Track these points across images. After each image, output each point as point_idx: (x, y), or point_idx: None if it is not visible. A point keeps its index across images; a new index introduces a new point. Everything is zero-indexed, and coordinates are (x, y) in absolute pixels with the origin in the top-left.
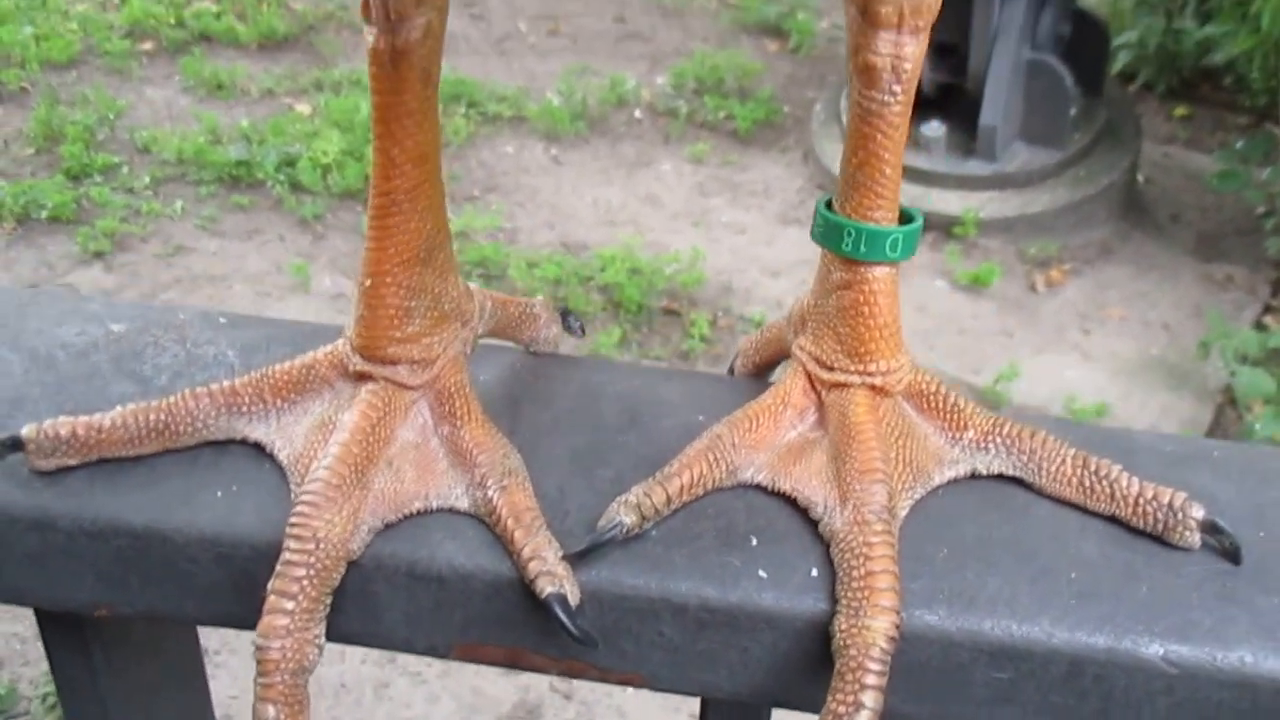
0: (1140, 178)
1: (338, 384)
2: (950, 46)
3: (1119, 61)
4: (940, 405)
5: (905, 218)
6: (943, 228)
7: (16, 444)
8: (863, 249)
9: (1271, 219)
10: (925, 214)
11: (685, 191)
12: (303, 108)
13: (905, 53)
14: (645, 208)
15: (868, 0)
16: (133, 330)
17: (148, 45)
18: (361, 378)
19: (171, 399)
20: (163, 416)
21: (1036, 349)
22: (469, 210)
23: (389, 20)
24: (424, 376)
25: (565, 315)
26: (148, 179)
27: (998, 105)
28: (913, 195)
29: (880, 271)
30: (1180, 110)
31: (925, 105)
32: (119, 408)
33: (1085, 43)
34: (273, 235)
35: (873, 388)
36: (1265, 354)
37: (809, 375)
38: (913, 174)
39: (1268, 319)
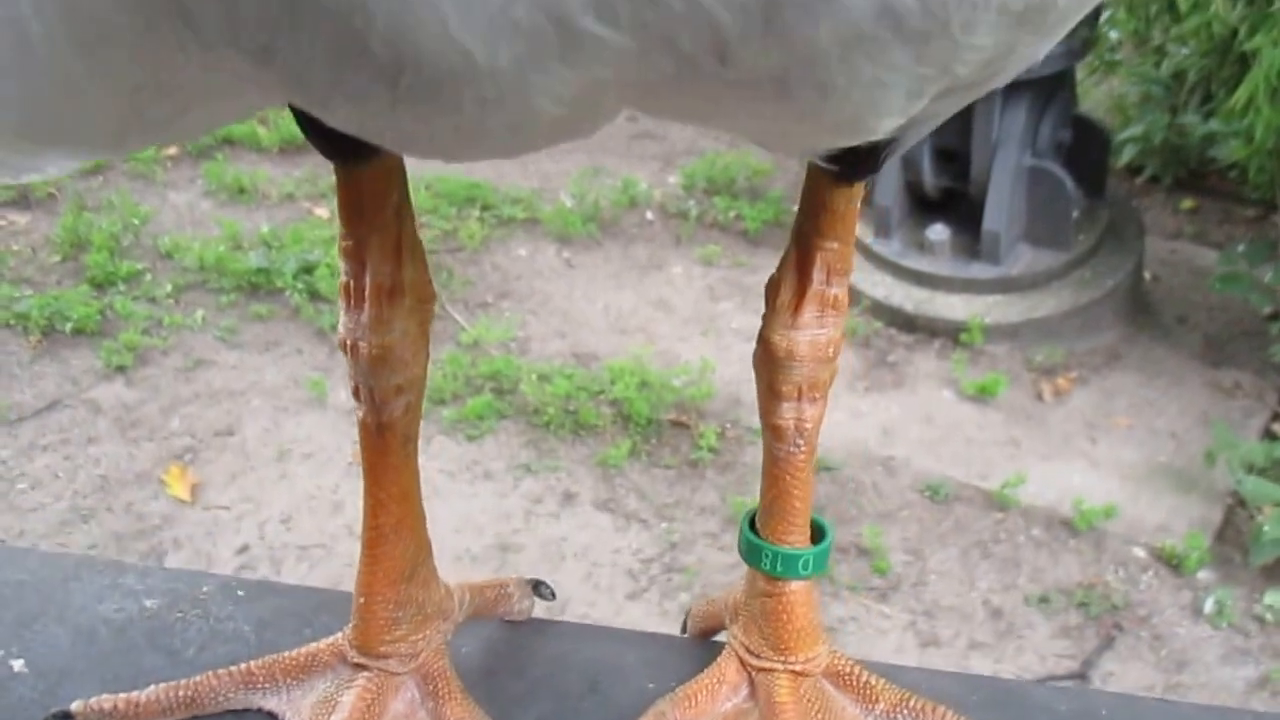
0: (1147, 275)
1: (339, 668)
2: (953, 152)
3: (1124, 155)
4: (855, 683)
5: (819, 531)
6: (949, 334)
7: (68, 717)
8: (779, 568)
9: (1277, 323)
10: (931, 321)
11: (695, 295)
12: (321, 212)
13: (806, 415)
14: (656, 313)
15: (771, 379)
16: (163, 606)
17: (172, 150)
18: (358, 666)
19: (198, 678)
20: (190, 692)
21: (1044, 456)
22: (482, 319)
23: (374, 403)
24: (411, 665)
25: (537, 586)
26: (170, 287)
27: (1001, 210)
28: (918, 299)
29: (796, 585)
30: (1187, 203)
31: (929, 209)
32: (153, 686)
33: (1086, 147)
34: (290, 348)
35: (794, 672)
36: (1272, 463)
37: (740, 659)
38: (918, 277)
39: (1277, 426)
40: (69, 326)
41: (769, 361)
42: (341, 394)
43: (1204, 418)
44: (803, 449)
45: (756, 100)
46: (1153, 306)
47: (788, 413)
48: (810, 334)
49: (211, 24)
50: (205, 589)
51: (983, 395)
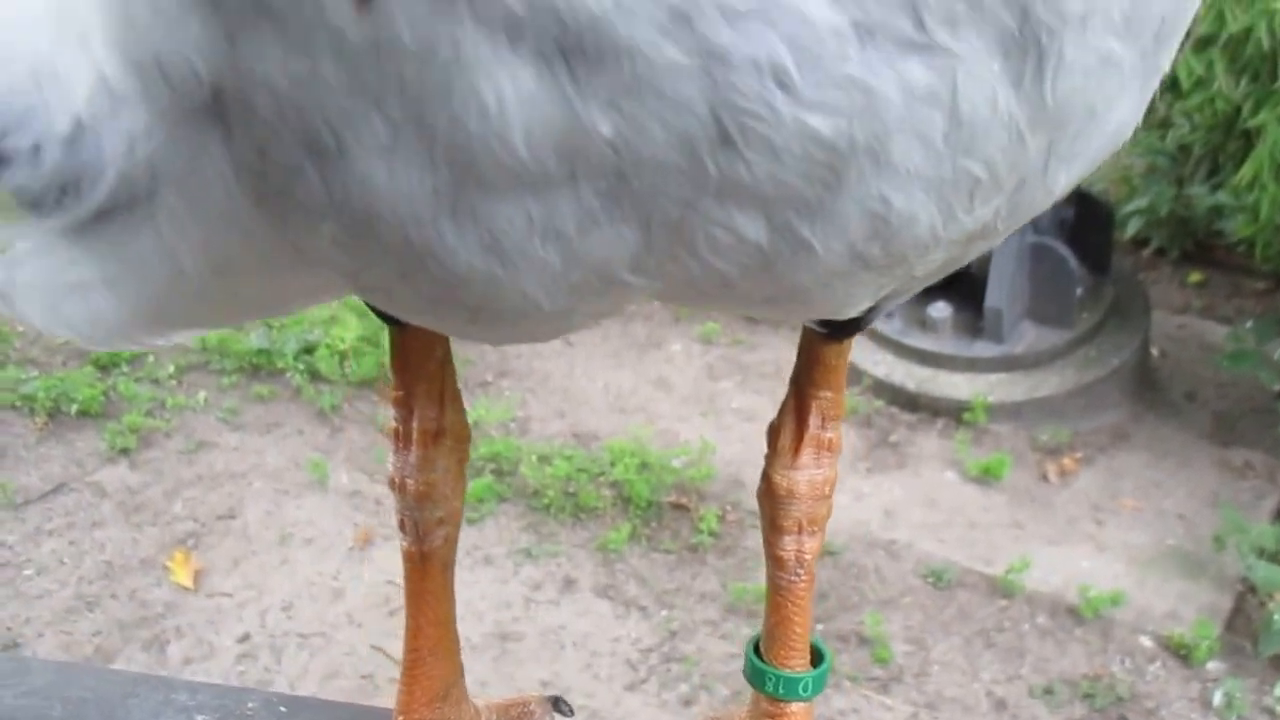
0: (1154, 351)
1: None
2: None
3: (1130, 228)
4: None
5: (818, 654)
6: (952, 414)
7: None
8: (781, 691)
9: None
10: (934, 400)
11: (695, 374)
12: None
13: (806, 547)
14: (655, 392)
15: (774, 515)
16: None
17: None
18: None
19: None
20: None
21: (1049, 540)
22: (482, 400)
23: (419, 534)
24: None
25: (557, 702)
26: (172, 368)
27: (1003, 288)
28: (920, 378)
29: (796, 706)
30: (1194, 276)
31: (931, 286)
32: None
33: (1089, 223)
34: (292, 429)
35: None
36: None
37: None
38: (920, 356)
39: None
40: (74, 408)
41: (772, 499)
42: (342, 477)
43: (1213, 499)
44: (803, 578)
45: (750, 305)
46: (1160, 384)
47: (789, 545)
48: (808, 474)
49: (337, 272)
50: (250, 705)
51: (987, 476)
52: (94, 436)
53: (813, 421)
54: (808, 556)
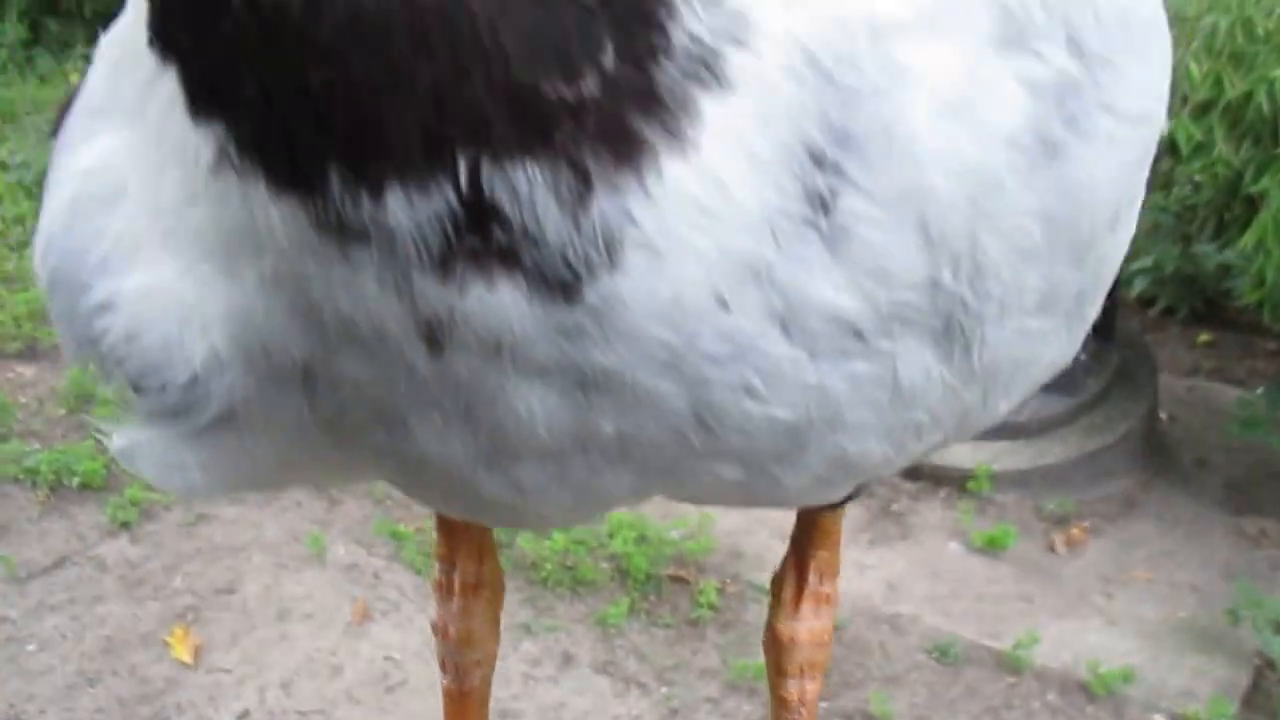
0: (1163, 415)
1: None
2: None
3: (1136, 287)
4: None
5: None
6: (956, 483)
7: None
8: None
9: None
10: (937, 469)
11: None
12: None
13: (808, 690)
14: None
15: (779, 660)
16: None
17: None
18: None
19: None
20: None
21: (1058, 613)
22: None
23: (458, 674)
24: None
25: None
26: None
27: None
28: None
29: None
30: (1204, 337)
31: None
32: None
33: None
34: (290, 501)
35: None
36: None
37: None
38: None
39: None
40: (76, 481)
41: (776, 646)
42: (340, 550)
43: (1227, 569)
44: (804, 716)
45: (738, 505)
46: (1170, 449)
47: (792, 687)
48: (808, 624)
49: (388, 483)
50: None
51: (992, 547)
52: (96, 510)
53: (811, 579)
54: (809, 698)
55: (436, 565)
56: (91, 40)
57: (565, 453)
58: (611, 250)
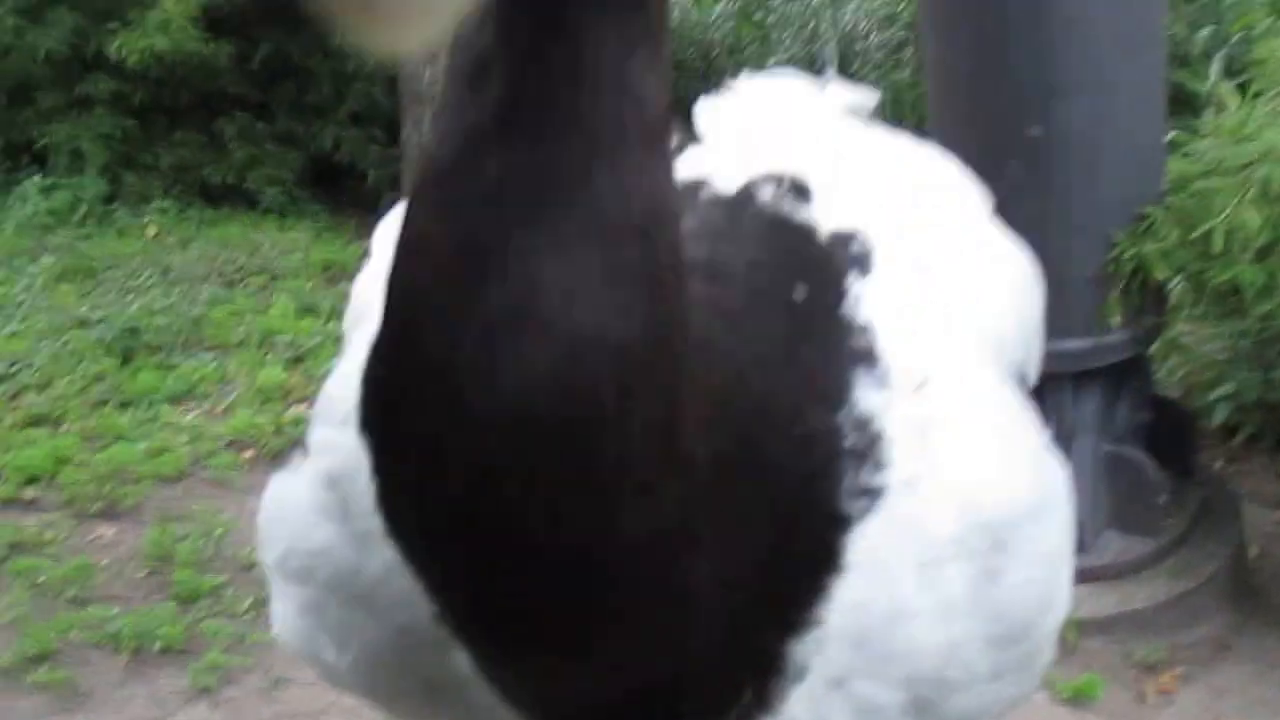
0: (1253, 551)
1: None
2: None
3: (1219, 415)
4: None
5: None
6: None
7: None
8: None
9: None
10: None
11: None
12: None
13: None
14: None
15: None
16: None
17: (249, 453)
18: None
19: None
20: None
21: None
22: None
23: None
24: None
25: None
26: (250, 601)
27: (1083, 499)
28: None
29: None
30: None
31: None
32: None
33: (1168, 427)
34: None
35: None
36: None
37: None
38: None
39: None
40: (157, 645)
41: None
42: None
43: None
44: None
45: None
46: (1260, 589)
47: None
48: None
49: None
50: None
51: (1080, 697)
52: (176, 674)
53: None
54: None
55: None
56: (168, 192)
57: None
58: None
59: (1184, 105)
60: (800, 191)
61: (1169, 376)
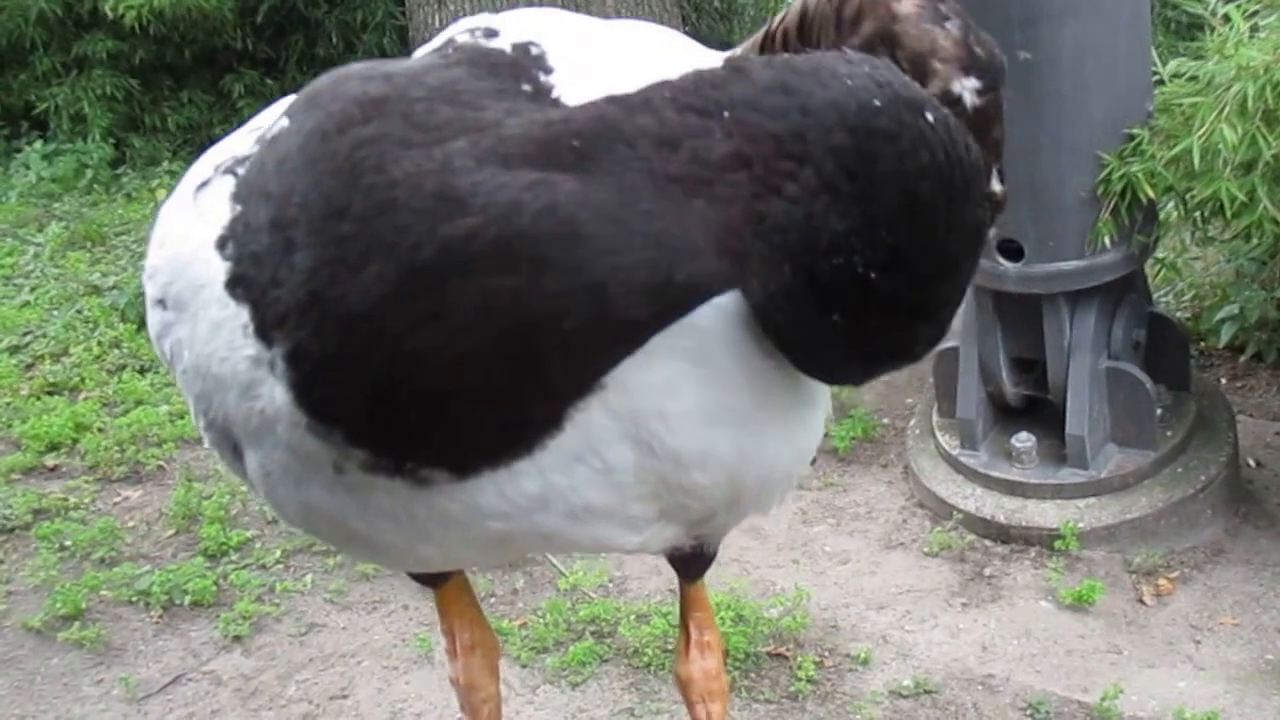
0: (1250, 462)
1: None
2: (1029, 361)
3: (1224, 335)
4: None
5: None
6: (1044, 543)
7: None
8: None
9: None
10: (1026, 530)
11: (788, 520)
12: None
13: (713, 710)
14: (750, 542)
15: (686, 695)
16: None
17: None
18: None
19: None
20: None
21: (1147, 663)
22: (580, 561)
23: (471, 711)
24: None
25: None
26: (279, 553)
27: (1082, 415)
28: (1010, 509)
29: None
30: None
31: (1013, 417)
32: None
33: (1164, 343)
34: (397, 605)
35: None
36: None
37: None
38: (1008, 486)
39: None
40: (187, 599)
41: (680, 684)
42: None
43: None
44: None
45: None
46: (1255, 495)
47: (700, 711)
48: (699, 665)
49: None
50: None
51: (1080, 604)
52: (208, 625)
53: (694, 633)
54: (716, 716)
55: (444, 637)
56: (176, 154)
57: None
58: None
59: (1197, 29)
60: (490, 32)
61: (1178, 299)
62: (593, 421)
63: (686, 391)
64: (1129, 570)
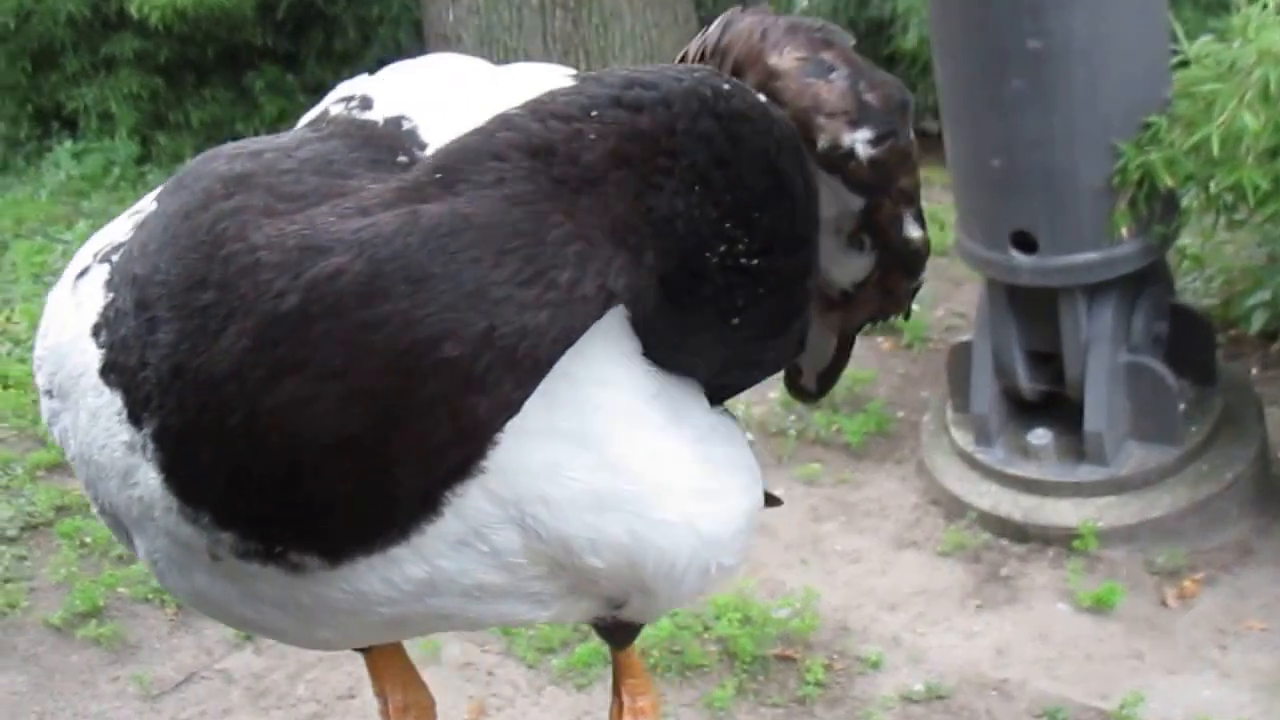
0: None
1: None
2: (1047, 355)
3: (1255, 322)
4: None
5: None
6: (1062, 542)
7: None
8: None
9: None
10: (1044, 529)
11: (798, 518)
12: None
13: None
14: (760, 540)
15: None
16: None
17: None
18: None
19: None
20: None
21: (1169, 669)
22: None
23: None
24: None
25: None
26: None
27: (1100, 410)
28: (1026, 507)
29: None
30: None
31: (1030, 412)
32: None
33: (1188, 336)
34: None
35: None
36: None
37: None
38: (1024, 484)
39: None
40: None
41: None
42: (455, 649)
43: None
44: None
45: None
46: None
47: None
48: None
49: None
50: None
51: (1100, 606)
52: (221, 625)
53: (627, 700)
54: None
55: (377, 699)
56: (200, 150)
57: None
58: None
59: (1223, 6)
60: (365, 103)
61: (1207, 284)
62: (472, 506)
63: (571, 476)
64: (1151, 571)
